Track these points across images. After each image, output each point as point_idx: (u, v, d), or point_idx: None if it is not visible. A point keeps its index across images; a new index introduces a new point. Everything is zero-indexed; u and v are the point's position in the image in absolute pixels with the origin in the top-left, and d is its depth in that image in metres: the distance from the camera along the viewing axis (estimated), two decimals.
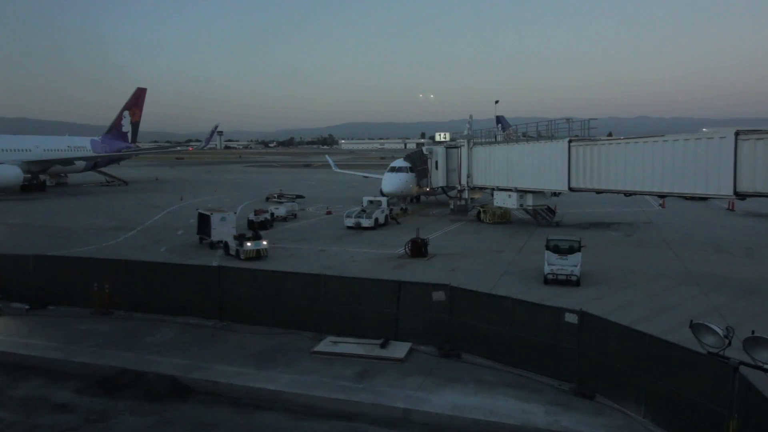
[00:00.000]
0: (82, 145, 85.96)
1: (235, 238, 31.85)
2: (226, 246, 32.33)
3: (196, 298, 20.88)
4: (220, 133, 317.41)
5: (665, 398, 12.79)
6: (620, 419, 13.31)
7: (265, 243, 31.56)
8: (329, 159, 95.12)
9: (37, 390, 15.77)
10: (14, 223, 46.00)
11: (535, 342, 15.75)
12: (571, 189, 36.28)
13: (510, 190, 41.95)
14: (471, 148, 47.63)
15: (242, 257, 30.65)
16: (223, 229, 33.21)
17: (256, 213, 43.04)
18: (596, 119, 38.49)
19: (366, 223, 41.71)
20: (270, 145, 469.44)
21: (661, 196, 41.44)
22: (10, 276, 23.22)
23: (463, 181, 48.08)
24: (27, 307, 22.16)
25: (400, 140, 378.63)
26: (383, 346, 17.46)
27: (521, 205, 42.24)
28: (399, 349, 17.31)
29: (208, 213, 34.67)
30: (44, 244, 34.61)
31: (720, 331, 15.82)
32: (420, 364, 16.55)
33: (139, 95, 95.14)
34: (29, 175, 72.43)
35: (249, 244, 30.95)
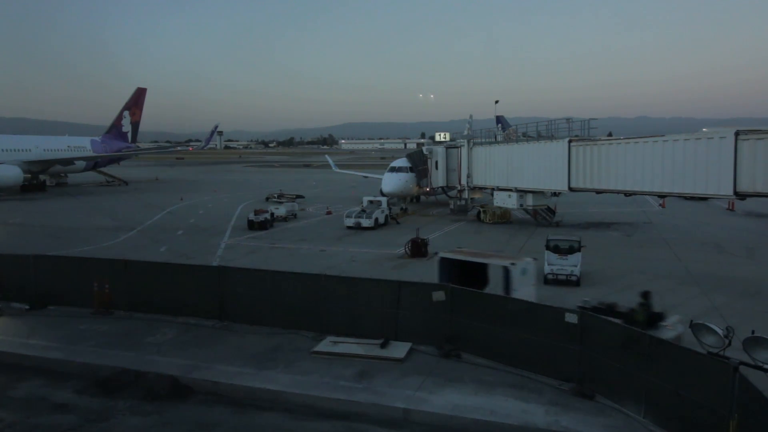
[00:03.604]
0: (82, 145, 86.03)
1: (593, 309, 16.81)
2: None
3: (196, 298, 20.84)
4: (220, 133, 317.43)
5: (665, 398, 12.79)
6: (620, 419, 13.30)
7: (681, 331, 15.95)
8: (329, 159, 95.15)
9: (37, 390, 15.75)
10: (14, 223, 46.03)
11: (535, 342, 15.74)
12: (571, 189, 36.27)
13: (510, 190, 41.93)
14: (471, 148, 47.62)
15: None
16: (525, 288, 19.76)
17: (256, 213, 43.08)
18: (596, 119, 38.52)
19: (366, 223, 41.72)
20: (270, 145, 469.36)
21: (661, 196, 41.44)
22: (10, 276, 23.17)
23: (463, 181, 48.06)
24: (27, 307, 22.13)
25: (400, 140, 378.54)
26: (383, 346, 17.45)
27: (521, 205, 42.24)
28: (399, 349, 17.30)
29: (503, 263, 20.13)
30: (44, 244, 34.60)
31: (720, 331, 15.82)
32: (420, 364, 16.54)
33: (139, 95, 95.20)
34: (29, 175, 72.49)
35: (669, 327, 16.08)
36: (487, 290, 19.76)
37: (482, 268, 21.24)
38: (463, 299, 17.43)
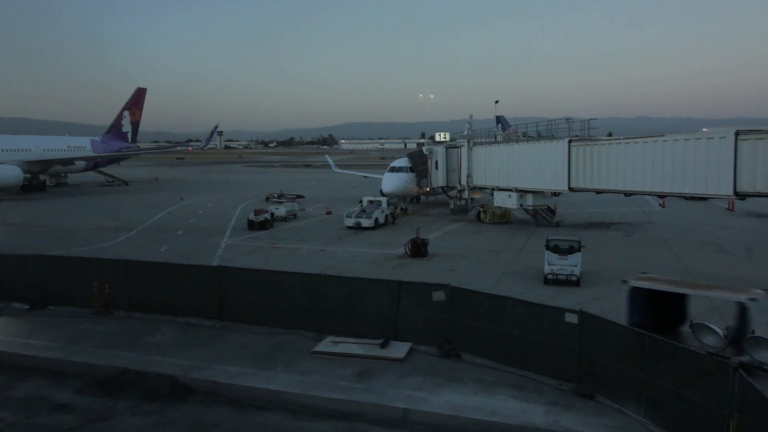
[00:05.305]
0: (82, 145, 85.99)
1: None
2: None
3: (196, 298, 20.85)
4: (220, 133, 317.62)
5: (665, 398, 12.79)
6: (620, 419, 13.30)
7: None
8: (329, 159, 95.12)
9: (37, 390, 15.75)
10: (14, 223, 45.99)
11: (535, 342, 15.74)
12: (571, 189, 36.28)
13: (510, 190, 41.94)
14: (471, 148, 47.62)
15: None
16: (764, 330, 15.32)
17: (256, 213, 43.07)
18: (596, 119, 38.57)
19: (366, 223, 41.71)
20: (270, 145, 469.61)
21: (661, 196, 41.44)
22: (10, 276, 23.19)
23: (463, 181, 48.08)
24: (27, 307, 22.14)
25: (400, 140, 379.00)
26: (383, 346, 17.45)
27: (521, 205, 42.24)
28: (399, 349, 17.31)
29: (737, 297, 15.99)
30: (44, 244, 34.58)
31: (720, 331, 15.81)
32: (420, 364, 16.55)
33: (139, 95, 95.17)
34: (29, 175, 72.44)
35: None
36: (685, 327, 16.49)
37: (682, 300, 17.38)
38: (463, 299, 17.43)
